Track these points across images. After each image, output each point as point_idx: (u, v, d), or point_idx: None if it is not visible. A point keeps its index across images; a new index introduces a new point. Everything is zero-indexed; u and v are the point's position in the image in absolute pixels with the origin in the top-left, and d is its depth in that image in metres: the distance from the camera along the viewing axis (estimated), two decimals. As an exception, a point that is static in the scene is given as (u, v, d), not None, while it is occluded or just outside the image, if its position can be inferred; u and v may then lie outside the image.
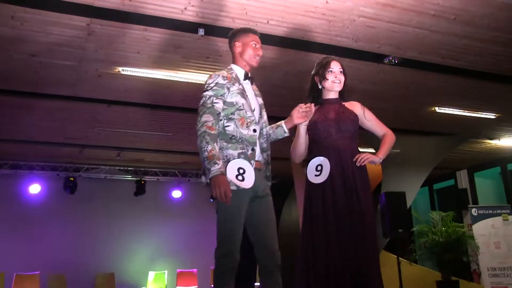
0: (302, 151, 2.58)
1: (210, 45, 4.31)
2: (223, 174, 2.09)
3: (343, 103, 2.58)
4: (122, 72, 4.81)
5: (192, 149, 7.68)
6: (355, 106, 2.56)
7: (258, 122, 2.35)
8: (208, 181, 2.09)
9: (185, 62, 4.71)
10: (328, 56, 2.67)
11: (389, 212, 6.27)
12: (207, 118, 2.19)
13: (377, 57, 4.60)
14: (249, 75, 2.44)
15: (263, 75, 4.98)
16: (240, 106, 2.30)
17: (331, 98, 2.60)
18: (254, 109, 2.38)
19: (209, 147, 2.11)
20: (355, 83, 5.13)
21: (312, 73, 2.63)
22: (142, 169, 9.37)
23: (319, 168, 2.43)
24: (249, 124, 2.30)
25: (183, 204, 9.67)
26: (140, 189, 9.48)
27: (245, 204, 2.21)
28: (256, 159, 2.31)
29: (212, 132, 2.15)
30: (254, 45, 2.47)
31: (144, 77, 4.92)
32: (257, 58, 2.47)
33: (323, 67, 2.58)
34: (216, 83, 2.29)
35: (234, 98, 2.30)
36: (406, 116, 6.37)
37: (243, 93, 2.34)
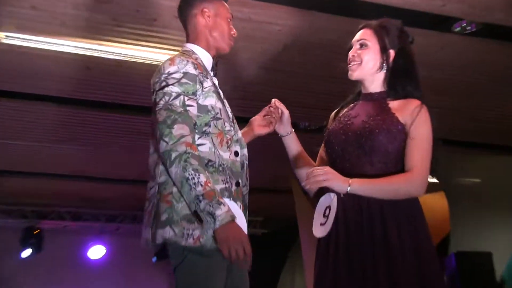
0: (304, 175, 2.73)
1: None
2: (234, 219, 2.24)
3: (390, 101, 2.71)
4: (5, 41, 4.84)
5: (129, 175, 7.86)
6: (407, 107, 2.65)
7: (238, 140, 2.56)
8: (211, 234, 2.24)
9: (116, 27, 4.78)
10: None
11: (464, 285, 6.37)
12: (182, 130, 2.31)
13: (440, 23, 4.73)
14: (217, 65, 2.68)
15: (248, 53, 5.09)
16: (217, 114, 2.48)
17: (370, 93, 2.78)
18: (231, 119, 2.59)
19: (202, 178, 2.23)
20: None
21: None
22: (37, 209, 9.41)
23: (327, 212, 2.57)
24: (229, 143, 2.48)
25: (108, 268, 9.78)
26: (33, 243, 9.41)
27: (225, 271, 2.37)
28: None
29: (196, 152, 2.28)
30: (229, 20, 2.70)
31: (46, 50, 4.97)
32: (231, 40, 2.71)
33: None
34: (185, 73, 2.44)
35: (208, 100, 2.47)
36: (490, 121, 6.50)
37: (218, 93, 2.53)
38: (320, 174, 2.45)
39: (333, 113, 2.88)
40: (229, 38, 2.68)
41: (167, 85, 2.41)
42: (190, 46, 2.65)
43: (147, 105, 6.40)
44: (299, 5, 4.49)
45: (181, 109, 2.36)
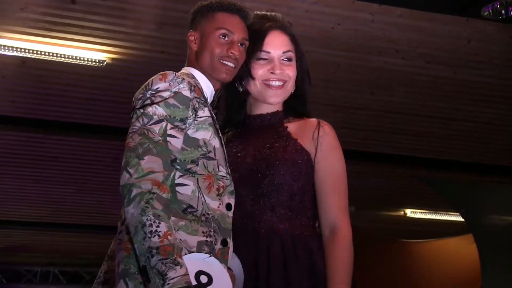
0: None
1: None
2: (190, 286, 2.13)
3: (287, 124, 2.64)
4: None
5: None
6: (308, 129, 2.58)
7: (233, 192, 2.49)
8: None
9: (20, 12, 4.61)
10: (265, 14, 2.67)
11: None
12: (154, 164, 2.24)
13: (464, 6, 4.67)
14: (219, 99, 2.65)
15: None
16: (210, 152, 2.40)
17: (263, 114, 2.66)
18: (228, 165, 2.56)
19: (163, 227, 2.15)
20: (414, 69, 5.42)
21: None
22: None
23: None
24: (220, 190, 2.41)
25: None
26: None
27: None
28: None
29: (164, 195, 2.21)
30: (223, 37, 2.52)
31: None
32: (230, 64, 2.52)
33: (251, 45, 2.60)
34: (176, 93, 2.37)
35: (201, 133, 2.40)
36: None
37: (216, 128, 2.47)
38: None
39: None
40: (219, 60, 2.49)
41: (151, 103, 2.34)
42: (190, 69, 2.55)
43: (61, 120, 6.07)
44: None
45: (160, 138, 2.28)
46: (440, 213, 8.80)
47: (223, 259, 2.35)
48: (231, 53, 2.49)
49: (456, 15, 4.85)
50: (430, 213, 8.88)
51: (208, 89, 2.54)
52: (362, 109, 5.94)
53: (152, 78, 2.40)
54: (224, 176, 2.43)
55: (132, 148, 2.26)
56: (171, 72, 2.42)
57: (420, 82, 5.64)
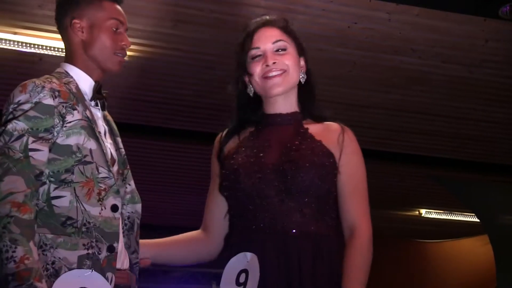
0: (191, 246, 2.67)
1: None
2: None
3: (307, 125, 2.59)
4: None
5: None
6: (329, 134, 2.57)
7: (119, 191, 2.42)
8: None
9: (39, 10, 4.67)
10: (260, 18, 2.67)
11: None
12: (13, 185, 2.17)
13: (482, 6, 4.65)
14: (102, 92, 2.53)
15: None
16: (85, 156, 2.33)
17: (282, 114, 2.62)
18: (113, 163, 2.46)
19: (20, 252, 2.09)
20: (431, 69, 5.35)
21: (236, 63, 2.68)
22: None
23: (242, 278, 2.37)
24: (102, 194, 2.34)
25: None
26: None
27: None
28: (119, 266, 2.36)
29: (25, 216, 2.14)
30: (114, 29, 2.50)
31: None
32: (120, 55, 2.51)
33: (242, 47, 2.61)
34: (36, 103, 2.29)
35: (73, 139, 2.32)
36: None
37: (92, 128, 2.39)
38: None
39: (219, 139, 2.66)
40: (114, 53, 2.46)
41: (12, 118, 2.26)
42: (65, 67, 2.46)
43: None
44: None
45: (21, 154, 2.21)
46: (456, 214, 8.74)
47: (110, 266, 2.31)
48: (124, 44, 2.48)
49: (473, 15, 4.86)
50: (445, 213, 8.82)
51: (86, 83, 2.49)
52: (377, 108, 5.93)
53: (14, 90, 2.34)
54: (105, 177, 2.37)
55: None
56: (31, 81, 2.34)
57: (436, 82, 5.61)
